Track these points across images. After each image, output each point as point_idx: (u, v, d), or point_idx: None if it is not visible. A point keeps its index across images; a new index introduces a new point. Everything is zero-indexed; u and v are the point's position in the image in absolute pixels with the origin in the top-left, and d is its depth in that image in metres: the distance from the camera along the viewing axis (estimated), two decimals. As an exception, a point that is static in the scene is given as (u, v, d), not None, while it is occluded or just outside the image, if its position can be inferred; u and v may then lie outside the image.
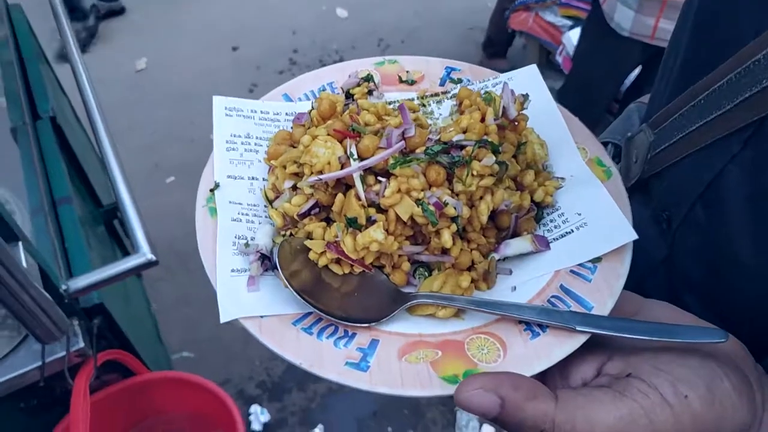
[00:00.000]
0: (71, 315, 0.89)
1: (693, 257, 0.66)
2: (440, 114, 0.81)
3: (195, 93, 3.09)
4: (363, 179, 0.62)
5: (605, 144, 0.92)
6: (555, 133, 0.76)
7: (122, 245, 1.66)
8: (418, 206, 0.60)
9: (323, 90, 0.82)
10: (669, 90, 0.69)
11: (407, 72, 0.84)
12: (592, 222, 0.66)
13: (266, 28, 3.57)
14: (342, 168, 0.62)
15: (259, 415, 1.98)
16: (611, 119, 2.35)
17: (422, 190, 0.61)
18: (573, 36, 2.25)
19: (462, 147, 0.63)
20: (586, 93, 2.01)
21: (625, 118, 0.90)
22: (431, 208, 0.60)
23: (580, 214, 0.68)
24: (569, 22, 2.42)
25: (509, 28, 2.82)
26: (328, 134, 0.65)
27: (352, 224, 0.59)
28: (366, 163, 0.61)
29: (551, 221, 0.69)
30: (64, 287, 0.83)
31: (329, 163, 0.62)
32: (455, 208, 0.61)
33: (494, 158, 0.62)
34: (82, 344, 0.89)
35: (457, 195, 0.63)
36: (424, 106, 0.81)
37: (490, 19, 3.21)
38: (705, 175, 0.63)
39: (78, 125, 1.69)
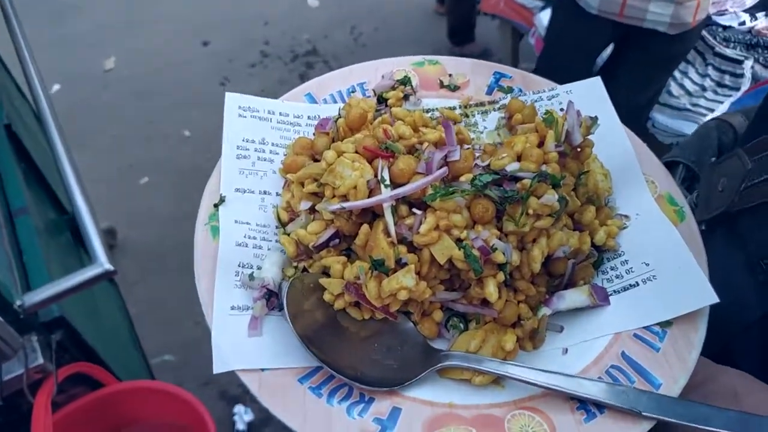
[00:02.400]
0: (29, 330, 0.83)
1: None
2: (485, 127, 0.70)
3: (167, 90, 3.02)
4: (395, 210, 0.52)
5: (675, 164, 0.80)
6: (620, 160, 0.64)
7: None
8: (459, 248, 0.50)
9: (353, 91, 0.71)
10: None
11: (450, 76, 0.73)
12: (663, 276, 0.55)
13: (236, 21, 3.51)
14: (370, 194, 0.52)
15: (243, 415, 1.94)
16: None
17: (465, 228, 0.51)
18: (544, 17, 2.20)
19: (517, 179, 0.52)
20: (558, 74, 1.92)
21: (701, 136, 0.78)
22: (475, 252, 0.49)
23: (647, 265, 0.57)
24: (540, 3, 2.36)
25: (480, 11, 2.77)
26: (356, 152, 0.55)
27: (378, 267, 0.49)
28: (400, 191, 0.51)
29: (611, 269, 0.58)
30: (18, 302, 0.76)
31: (356, 188, 0.52)
32: (504, 254, 0.50)
33: (556, 195, 0.51)
34: (41, 360, 0.84)
35: (506, 235, 0.52)
36: (467, 116, 0.70)
37: (446, 9, 3.13)
38: None
39: (40, 130, 1.62)
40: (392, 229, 0.51)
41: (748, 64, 1.90)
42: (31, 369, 0.81)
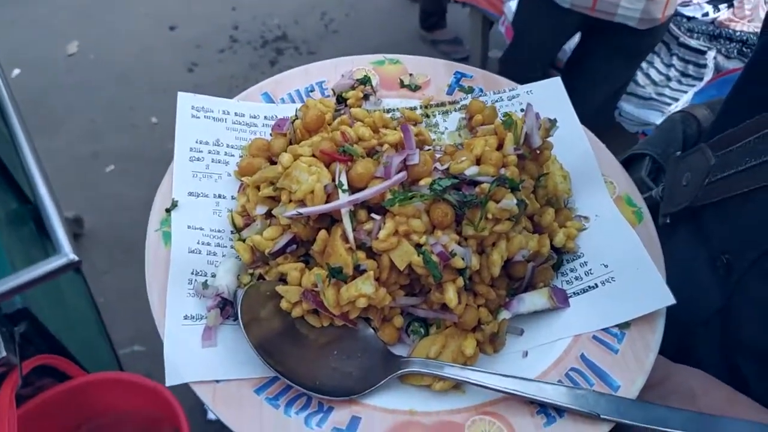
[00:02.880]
0: None
1: (756, 313, 0.55)
2: (446, 128, 0.69)
3: (133, 76, 2.93)
4: (353, 215, 0.51)
5: (642, 156, 0.81)
6: (579, 162, 0.64)
7: (57, 242, 1.55)
8: (418, 254, 0.49)
9: (311, 90, 0.70)
10: (745, 109, 0.58)
11: (411, 75, 0.72)
12: (621, 277, 0.56)
13: (205, 6, 3.43)
14: (328, 200, 0.51)
15: None
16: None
17: (424, 233, 0.50)
18: (513, 5, 2.24)
19: (476, 183, 0.51)
20: (525, 62, 2.00)
21: (666, 129, 0.79)
22: (434, 258, 0.48)
23: (606, 266, 0.57)
24: None
25: None
26: (313, 155, 0.53)
27: (336, 275, 0.48)
28: (358, 196, 0.50)
29: (571, 271, 0.59)
30: None
31: (312, 193, 0.51)
32: (463, 259, 0.50)
33: (515, 200, 0.51)
34: (4, 353, 0.81)
35: (466, 239, 0.52)
36: (428, 117, 0.70)
37: None
38: None
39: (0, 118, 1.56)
40: (350, 235, 0.50)
41: (711, 54, 1.94)
42: (-7, 362, 0.79)
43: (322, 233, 0.51)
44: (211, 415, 1.90)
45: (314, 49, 3.05)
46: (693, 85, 1.93)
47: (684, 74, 2.00)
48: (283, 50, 3.13)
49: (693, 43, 1.97)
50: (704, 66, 1.94)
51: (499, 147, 0.56)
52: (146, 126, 2.63)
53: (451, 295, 0.49)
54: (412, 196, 0.50)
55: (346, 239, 0.50)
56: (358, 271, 0.49)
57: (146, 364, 1.84)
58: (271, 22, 3.32)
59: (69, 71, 3.03)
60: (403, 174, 0.51)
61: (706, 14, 2.04)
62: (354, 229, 0.50)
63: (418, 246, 0.50)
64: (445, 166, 0.53)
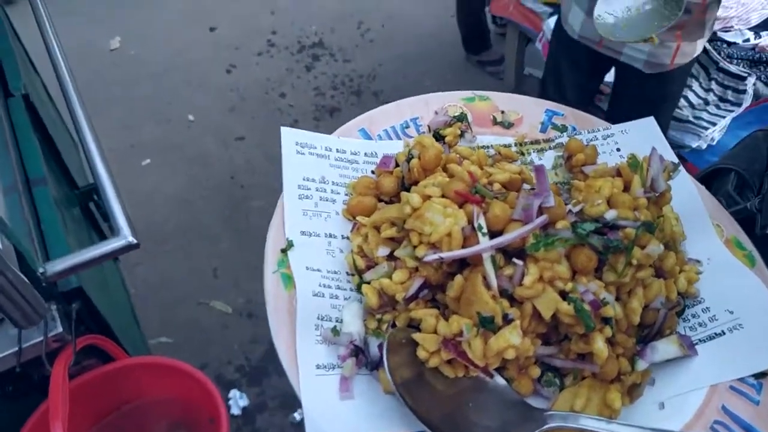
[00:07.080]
0: (49, 299, 0.82)
1: None
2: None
3: (172, 73, 2.97)
4: (492, 260, 0.49)
5: (727, 171, 0.80)
6: (686, 204, 0.63)
7: (98, 228, 1.55)
8: (568, 303, 0.47)
9: (406, 127, 0.68)
10: None
11: (502, 112, 0.71)
12: (750, 324, 0.54)
13: (244, 8, 3.48)
14: (465, 243, 0.49)
15: (238, 400, 1.91)
16: (597, 111, 2.19)
17: (568, 280, 0.48)
18: (553, 22, 2.18)
19: (617, 227, 0.50)
20: (559, 88, 1.84)
21: (750, 147, 0.79)
22: (586, 307, 0.46)
23: (731, 312, 0.55)
24: (549, 9, 2.35)
25: (490, 13, 2.80)
26: (444, 195, 0.51)
27: (487, 325, 0.46)
28: (501, 240, 0.48)
29: (693, 316, 0.57)
30: (41, 270, 0.75)
31: (450, 235, 0.48)
32: (613, 308, 0.48)
33: (661, 246, 0.49)
34: (60, 329, 0.81)
35: (606, 286, 0.50)
36: (522, 154, 0.68)
37: (458, 21, 3.12)
38: None
39: (51, 105, 1.57)
40: (494, 282, 0.47)
41: (751, 80, 1.90)
42: (50, 337, 0.79)
43: (459, 279, 0.49)
44: (234, 410, 1.86)
45: (349, 57, 3.06)
46: (731, 111, 1.88)
47: (722, 99, 1.94)
48: (320, 56, 3.15)
49: (733, 68, 1.91)
50: (743, 92, 1.89)
51: (624, 189, 0.55)
52: (182, 123, 2.66)
53: (600, 345, 0.47)
54: (556, 239, 0.48)
55: (488, 287, 0.48)
56: (506, 320, 0.47)
57: (172, 356, 1.82)
58: (309, 29, 3.36)
59: (110, 65, 3.05)
60: (545, 217, 0.49)
61: (747, 40, 1.99)
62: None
63: (562, 293, 0.48)
64: (578, 209, 0.52)
